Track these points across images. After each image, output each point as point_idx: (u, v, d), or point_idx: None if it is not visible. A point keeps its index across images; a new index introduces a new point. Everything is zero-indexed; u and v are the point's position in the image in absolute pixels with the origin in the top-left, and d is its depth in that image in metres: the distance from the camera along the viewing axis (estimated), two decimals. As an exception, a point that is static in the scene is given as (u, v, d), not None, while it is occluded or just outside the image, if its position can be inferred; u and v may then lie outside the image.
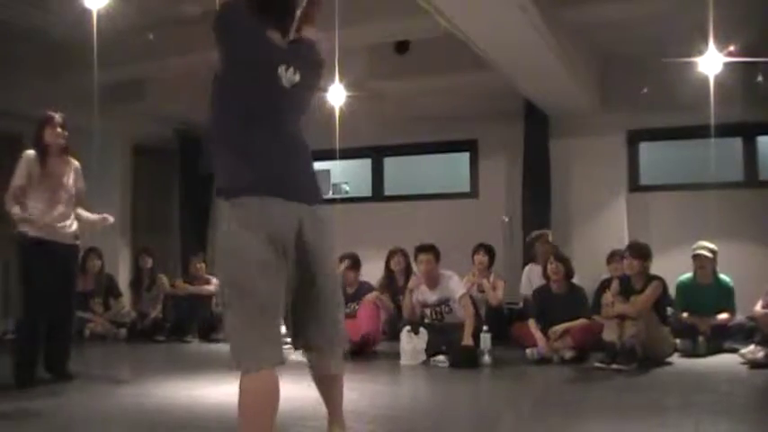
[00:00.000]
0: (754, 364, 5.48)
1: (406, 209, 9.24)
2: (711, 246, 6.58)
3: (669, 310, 6.33)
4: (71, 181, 5.06)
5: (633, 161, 8.55)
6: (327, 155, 7.93)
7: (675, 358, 5.98)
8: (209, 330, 7.74)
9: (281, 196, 2.44)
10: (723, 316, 6.44)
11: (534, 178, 8.45)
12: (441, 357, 5.91)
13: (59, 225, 4.94)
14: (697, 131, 7.26)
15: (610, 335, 5.65)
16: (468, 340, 5.88)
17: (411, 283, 6.46)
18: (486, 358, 5.79)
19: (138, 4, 6.10)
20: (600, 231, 8.17)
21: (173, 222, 10.09)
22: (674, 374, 5.47)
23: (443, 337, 6.05)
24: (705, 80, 6.21)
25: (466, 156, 9.40)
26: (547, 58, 6.32)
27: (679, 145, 8.49)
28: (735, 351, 5.91)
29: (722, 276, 6.60)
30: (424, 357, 6.00)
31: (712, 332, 6.29)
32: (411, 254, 6.72)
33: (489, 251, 7.39)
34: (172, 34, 6.67)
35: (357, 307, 6.58)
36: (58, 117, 5.01)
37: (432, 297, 6.29)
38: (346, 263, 6.77)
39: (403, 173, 9.97)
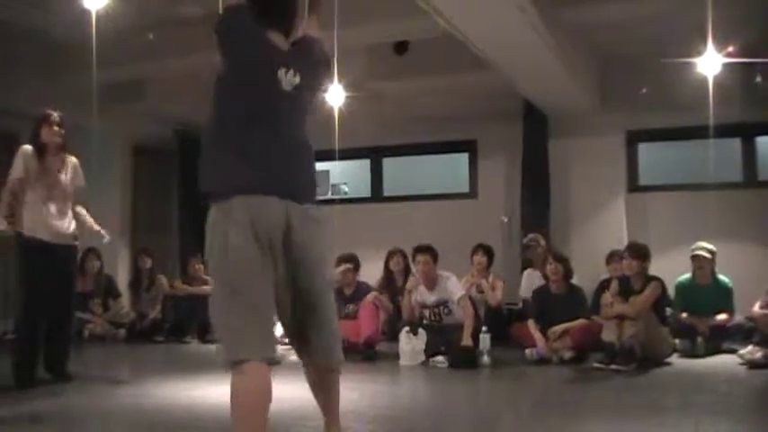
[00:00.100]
0: (752, 365, 5.49)
1: (405, 209, 9.24)
2: (710, 246, 6.59)
3: (668, 310, 6.33)
4: (69, 178, 5.05)
5: (632, 161, 8.55)
6: (326, 155, 7.91)
7: (674, 359, 5.98)
8: (208, 331, 7.73)
9: (274, 195, 2.45)
10: (722, 316, 6.45)
11: (533, 178, 8.46)
12: (440, 358, 5.92)
13: (57, 223, 4.93)
14: (696, 132, 7.27)
15: (609, 335, 5.65)
16: (467, 341, 5.88)
17: (409, 284, 6.46)
18: (486, 359, 5.79)
19: (137, 5, 6.10)
20: (599, 232, 8.18)
21: (172, 223, 10.07)
22: (673, 375, 5.48)
23: (442, 337, 6.05)
24: (704, 81, 6.21)
25: (465, 156, 9.41)
26: (546, 58, 6.32)
27: (678, 145, 8.50)
28: (733, 351, 5.91)
29: (721, 277, 6.61)
30: (423, 358, 6.00)
31: (711, 333, 6.29)
32: (410, 254, 6.73)
33: (488, 252, 7.38)
34: (172, 34, 6.67)
35: (355, 308, 6.57)
36: (55, 115, 5.00)
37: (430, 298, 6.30)
38: (345, 264, 6.77)
39: (402, 173, 9.98)
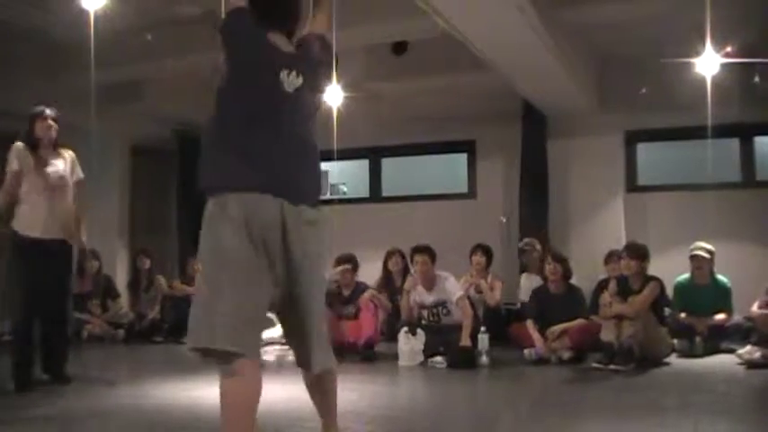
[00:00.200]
0: (751, 365, 5.49)
1: (404, 209, 9.25)
2: (709, 246, 6.59)
3: (667, 310, 6.33)
4: (68, 171, 5.04)
5: (631, 161, 8.55)
6: (325, 155, 7.87)
7: (673, 358, 5.99)
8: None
9: (269, 194, 2.45)
10: (720, 316, 6.45)
11: (532, 179, 8.46)
12: (438, 358, 5.92)
13: (52, 218, 4.89)
14: (695, 132, 7.27)
15: (607, 335, 5.66)
16: (465, 341, 5.88)
17: (407, 284, 6.46)
18: (484, 359, 5.80)
19: (136, 5, 6.10)
20: (598, 232, 8.18)
21: (171, 223, 10.07)
22: (672, 375, 5.48)
23: (441, 337, 6.05)
24: (703, 81, 6.22)
25: (464, 156, 9.41)
26: (545, 58, 6.32)
27: (677, 145, 8.50)
28: (732, 351, 5.91)
29: (719, 277, 6.62)
30: (421, 358, 6.00)
31: (709, 332, 6.30)
32: (408, 255, 6.72)
33: (487, 252, 7.38)
34: (170, 35, 6.67)
35: (354, 309, 6.56)
36: (48, 111, 5.00)
37: (429, 299, 6.29)
38: (344, 264, 6.76)
39: (400, 173, 9.98)
